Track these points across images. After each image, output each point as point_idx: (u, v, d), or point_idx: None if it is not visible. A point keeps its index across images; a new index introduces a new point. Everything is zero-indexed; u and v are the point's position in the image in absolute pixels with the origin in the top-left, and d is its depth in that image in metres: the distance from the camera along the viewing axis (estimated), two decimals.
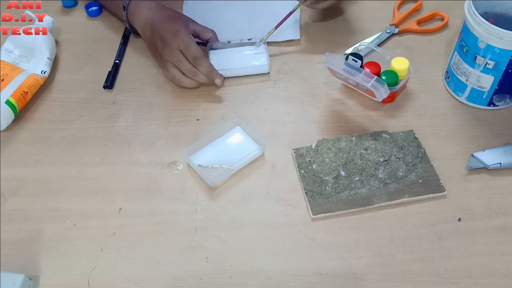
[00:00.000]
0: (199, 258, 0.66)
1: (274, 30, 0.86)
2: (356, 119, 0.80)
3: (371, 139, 0.75)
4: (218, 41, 0.87)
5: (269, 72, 0.86)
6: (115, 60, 0.88)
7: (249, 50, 0.87)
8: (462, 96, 0.81)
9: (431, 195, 0.70)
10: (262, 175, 0.74)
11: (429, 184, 0.71)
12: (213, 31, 0.87)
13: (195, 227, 0.68)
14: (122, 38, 0.92)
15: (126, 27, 0.92)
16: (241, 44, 0.89)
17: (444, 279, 0.63)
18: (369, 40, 0.90)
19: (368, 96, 0.81)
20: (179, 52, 0.80)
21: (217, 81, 0.81)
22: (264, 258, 0.66)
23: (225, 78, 0.85)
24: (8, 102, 0.77)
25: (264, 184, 0.73)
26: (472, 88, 0.78)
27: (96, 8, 0.96)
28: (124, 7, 0.86)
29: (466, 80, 0.78)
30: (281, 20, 0.86)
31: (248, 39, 0.89)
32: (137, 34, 0.90)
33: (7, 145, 0.78)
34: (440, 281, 0.63)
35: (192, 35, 0.83)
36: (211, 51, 0.87)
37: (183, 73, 0.81)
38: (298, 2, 0.86)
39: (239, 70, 0.86)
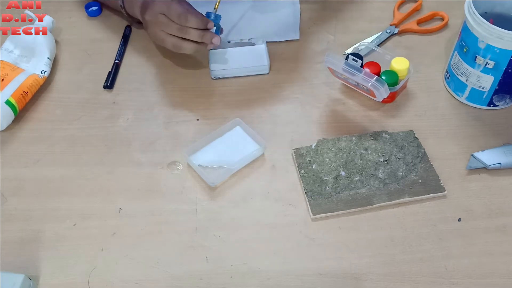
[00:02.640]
0: (199, 258, 0.66)
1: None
2: (356, 119, 0.80)
3: (371, 139, 0.75)
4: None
5: (269, 72, 0.86)
6: (115, 60, 0.88)
7: (249, 50, 0.88)
8: (462, 96, 0.81)
9: (431, 195, 0.70)
10: (262, 175, 0.74)
11: (429, 184, 0.71)
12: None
13: (195, 227, 0.68)
14: (122, 38, 0.92)
15: (126, 27, 0.92)
16: (241, 44, 0.89)
17: (444, 279, 0.63)
18: (369, 40, 0.90)
19: (368, 96, 0.81)
20: (162, 15, 0.78)
21: (215, 40, 0.79)
22: (264, 258, 0.66)
23: (225, 78, 0.85)
24: (8, 102, 0.77)
25: (264, 184, 0.73)
26: (472, 88, 0.78)
27: (96, 8, 0.96)
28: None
29: (466, 80, 0.78)
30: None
31: (248, 39, 0.89)
32: (139, 23, 0.89)
33: (7, 145, 0.78)
34: (440, 281, 0.63)
35: None
36: (211, 51, 0.87)
37: (182, 38, 0.79)
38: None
39: (239, 70, 0.86)
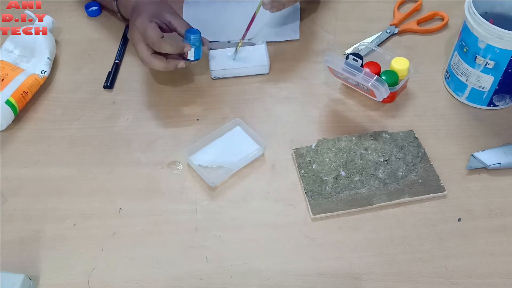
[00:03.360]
0: (199, 258, 0.66)
1: (243, 39, 0.85)
2: (356, 119, 0.80)
3: (371, 139, 0.75)
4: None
5: (269, 72, 0.86)
6: (115, 60, 0.88)
7: (249, 50, 0.88)
8: (462, 96, 0.81)
9: (431, 195, 0.70)
10: (262, 175, 0.74)
11: (429, 184, 0.71)
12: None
13: (195, 227, 0.68)
14: (122, 38, 0.92)
15: (126, 27, 0.92)
16: None
17: (444, 279, 0.63)
18: (369, 40, 0.90)
19: (368, 96, 0.81)
20: (138, 34, 0.76)
21: (180, 64, 0.78)
22: (264, 258, 0.66)
23: (225, 78, 0.85)
24: (8, 102, 0.77)
25: (264, 184, 0.73)
26: (472, 88, 0.78)
27: (96, 8, 0.96)
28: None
29: (466, 80, 0.78)
30: (249, 23, 0.84)
31: (248, 39, 0.89)
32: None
33: (7, 145, 0.78)
34: (440, 281, 0.63)
35: (166, 25, 0.79)
36: (211, 51, 0.87)
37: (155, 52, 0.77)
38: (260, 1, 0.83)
39: (239, 70, 0.86)
